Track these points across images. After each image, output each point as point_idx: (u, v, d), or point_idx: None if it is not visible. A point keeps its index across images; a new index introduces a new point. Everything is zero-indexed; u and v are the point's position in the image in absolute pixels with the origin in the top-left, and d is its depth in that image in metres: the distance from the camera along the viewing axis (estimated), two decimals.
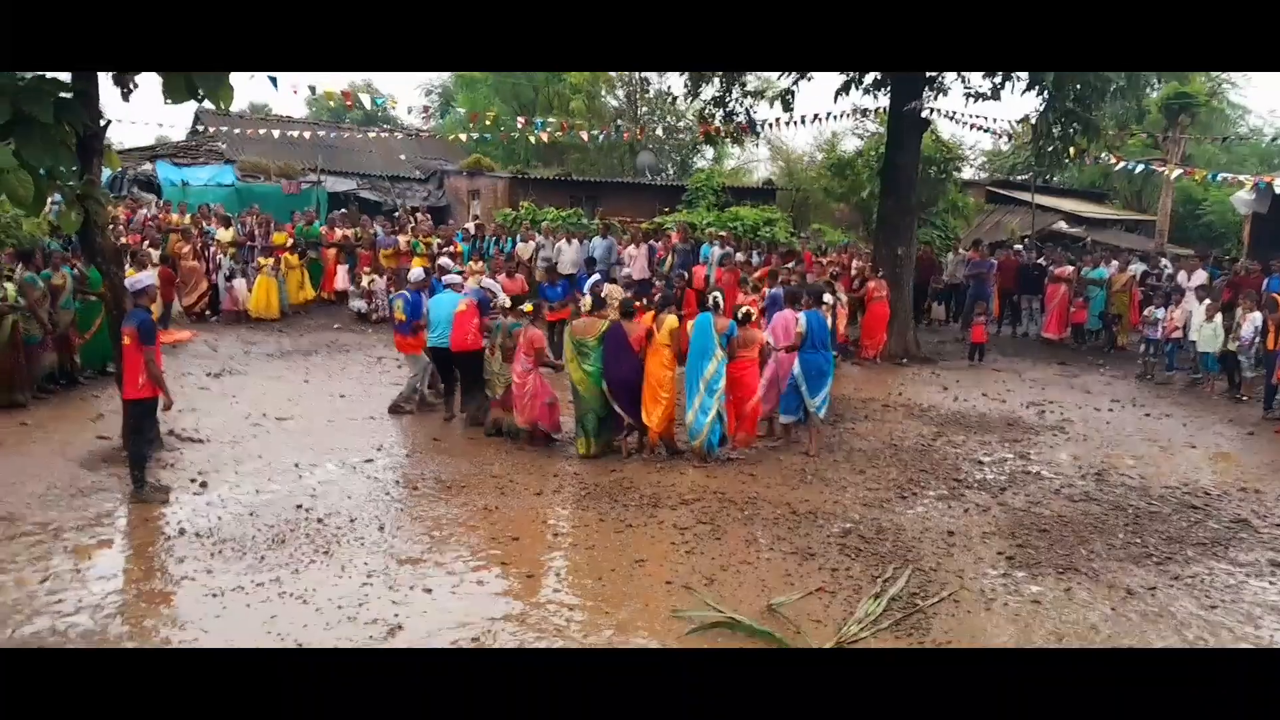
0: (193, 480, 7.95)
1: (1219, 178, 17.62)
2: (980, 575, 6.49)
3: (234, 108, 9.44)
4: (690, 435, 8.98)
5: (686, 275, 15.15)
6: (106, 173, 12.94)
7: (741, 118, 16.80)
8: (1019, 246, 20.51)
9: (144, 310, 7.56)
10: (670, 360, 8.92)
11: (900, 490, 8.30)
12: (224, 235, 17.14)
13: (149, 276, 8.35)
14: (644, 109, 35.72)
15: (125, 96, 7.99)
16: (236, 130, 26.91)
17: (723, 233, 19.27)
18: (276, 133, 26.25)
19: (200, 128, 29.23)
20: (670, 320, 9.03)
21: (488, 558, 6.53)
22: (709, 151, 34.49)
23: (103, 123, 8.09)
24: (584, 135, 22.82)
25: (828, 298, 10.85)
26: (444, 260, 14.01)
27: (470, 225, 20.89)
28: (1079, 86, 13.13)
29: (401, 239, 17.92)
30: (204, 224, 17.47)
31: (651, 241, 18.05)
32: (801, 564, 6.55)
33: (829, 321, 10.19)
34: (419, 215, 22.11)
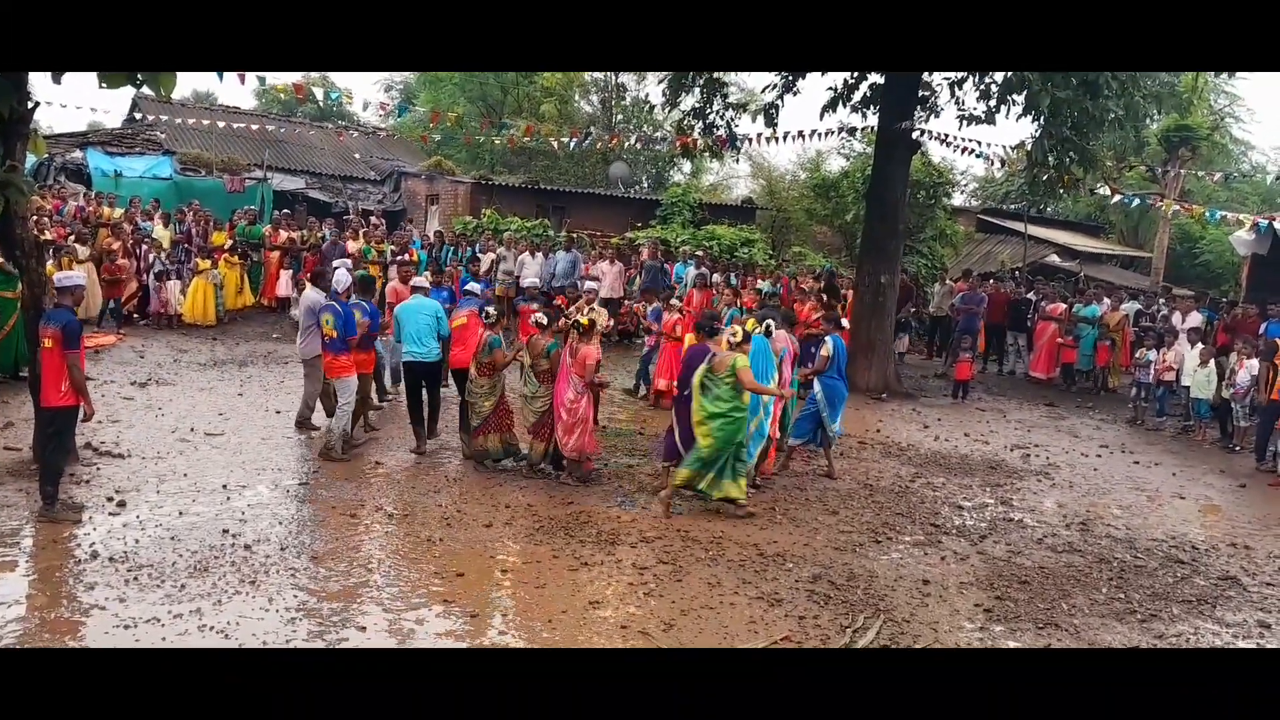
0: (109, 499, 7.80)
1: (1218, 215, 18.01)
2: (956, 628, 6.53)
3: (176, 95, 9.34)
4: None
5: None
6: (31, 159, 12.79)
7: (722, 131, 16.96)
8: (1008, 277, 20.82)
9: (68, 310, 7.42)
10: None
11: (874, 534, 8.35)
12: (160, 232, 16.97)
13: (80, 275, 8.22)
14: (619, 117, 35.96)
15: (56, 79, 7.91)
16: (177, 120, 26.64)
17: (698, 252, 19.39)
18: (221, 124, 26.09)
19: (138, 115, 28.96)
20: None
21: (429, 595, 6.47)
22: (686, 165, 34.80)
23: (30, 105, 7.99)
24: (554, 142, 22.90)
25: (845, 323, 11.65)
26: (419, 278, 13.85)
27: (431, 234, 20.86)
28: (1076, 114, 13.42)
29: (352, 244, 17.83)
30: (137, 219, 17.28)
31: (628, 258, 18.19)
32: (767, 610, 6.55)
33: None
34: (372, 219, 22.04)
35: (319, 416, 10.34)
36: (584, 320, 9.15)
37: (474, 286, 10.96)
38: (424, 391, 9.93)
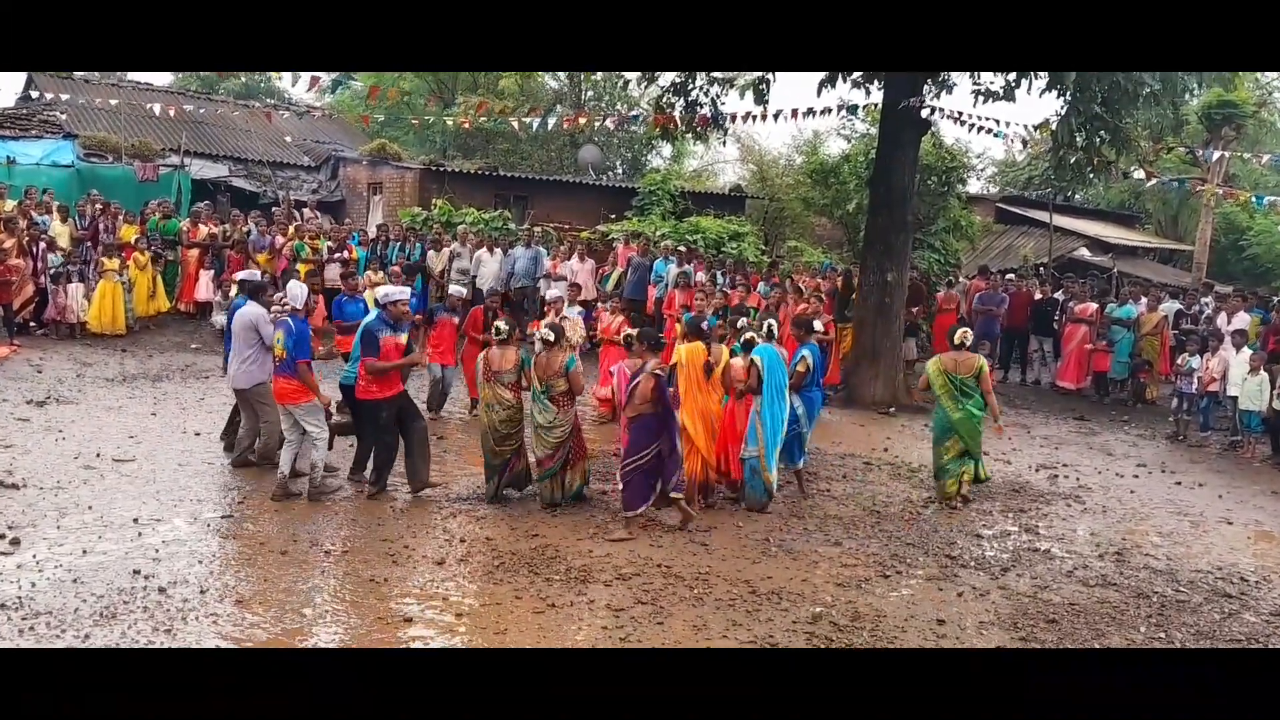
0: (1, 536, 7.72)
1: (1265, 202, 18.23)
2: None
3: (78, 71, 9.29)
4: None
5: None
6: None
7: (706, 110, 17.01)
8: (1032, 274, 21.00)
9: None
10: None
11: (882, 568, 8.38)
12: (59, 228, 16.84)
13: None
14: (589, 94, 36.00)
15: None
16: (80, 99, 26.46)
17: (681, 247, 19.44)
18: (130, 103, 25.89)
19: (34, 94, 28.65)
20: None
21: (371, 644, 6.43)
22: (666, 149, 34.86)
23: None
24: (514, 122, 22.90)
25: (818, 325, 11.49)
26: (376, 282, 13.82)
27: (374, 228, 20.80)
28: (1106, 88, 13.55)
29: (280, 239, 17.75)
30: (33, 213, 17.12)
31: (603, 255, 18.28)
32: None
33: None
34: (305, 211, 21.95)
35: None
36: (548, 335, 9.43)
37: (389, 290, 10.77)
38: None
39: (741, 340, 9.84)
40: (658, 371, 8.97)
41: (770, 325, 10.08)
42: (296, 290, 9.84)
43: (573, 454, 9.42)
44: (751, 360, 9.67)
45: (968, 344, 10.38)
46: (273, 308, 9.56)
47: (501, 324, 9.55)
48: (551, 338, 9.39)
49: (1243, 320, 15.24)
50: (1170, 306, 17.76)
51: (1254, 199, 18.33)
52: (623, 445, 9.06)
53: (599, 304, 17.41)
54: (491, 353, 9.45)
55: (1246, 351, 13.64)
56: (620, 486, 8.99)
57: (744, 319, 10.88)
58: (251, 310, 9.67)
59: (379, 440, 9.51)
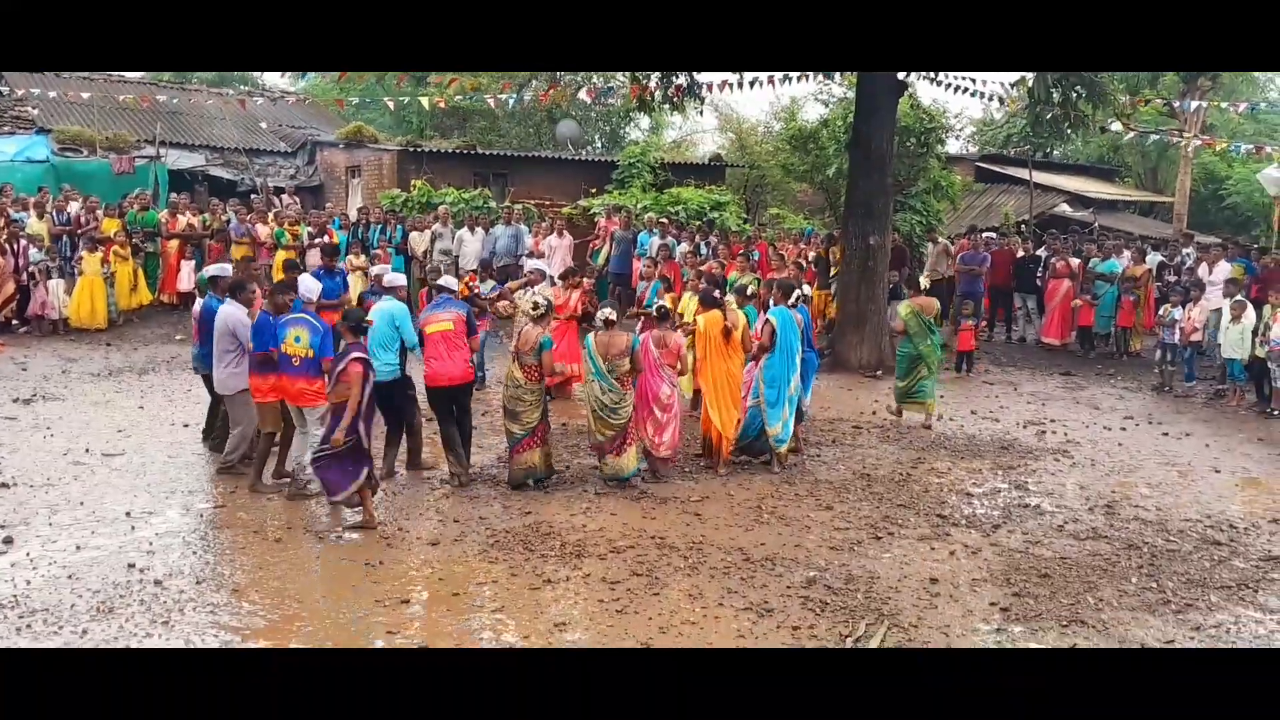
0: None
1: (1242, 149, 18.29)
2: (970, 631, 6.61)
3: (63, 71, 9.19)
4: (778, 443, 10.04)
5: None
6: None
7: (682, 80, 16.94)
8: (1013, 232, 21.02)
9: None
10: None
11: (874, 530, 8.43)
12: (36, 224, 16.72)
13: None
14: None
15: None
16: (52, 93, 26.12)
17: (662, 219, 19.40)
18: (103, 96, 25.66)
19: (4, 89, 28.41)
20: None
21: (369, 626, 6.45)
22: (644, 121, 34.75)
23: None
24: (490, 99, 22.76)
25: (807, 290, 11.96)
26: (378, 267, 13.64)
27: (353, 211, 20.70)
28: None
29: (261, 228, 17.66)
30: (10, 210, 16.99)
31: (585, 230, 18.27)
32: (756, 622, 6.60)
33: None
34: (285, 197, 21.82)
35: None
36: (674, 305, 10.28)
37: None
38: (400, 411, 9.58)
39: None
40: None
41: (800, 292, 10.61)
42: (310, 284, 9.69)
43: (627, 436, 9.38)
44: (767, 320, 10.01)
45: (927, 288, 12.43)
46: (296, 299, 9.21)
47: (539, 299, 9.43)
48: (614, 318, 9.35)
49: (1224, 270, 15.29)
50: (1153, 259, 17.81)
51: (1232, 147, 18.39)
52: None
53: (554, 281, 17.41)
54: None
55: (1230, 300, 13.68)
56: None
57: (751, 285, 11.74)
58: (231, 312, 9.08)
59: (465, 422, 9.58)
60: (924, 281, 12.19)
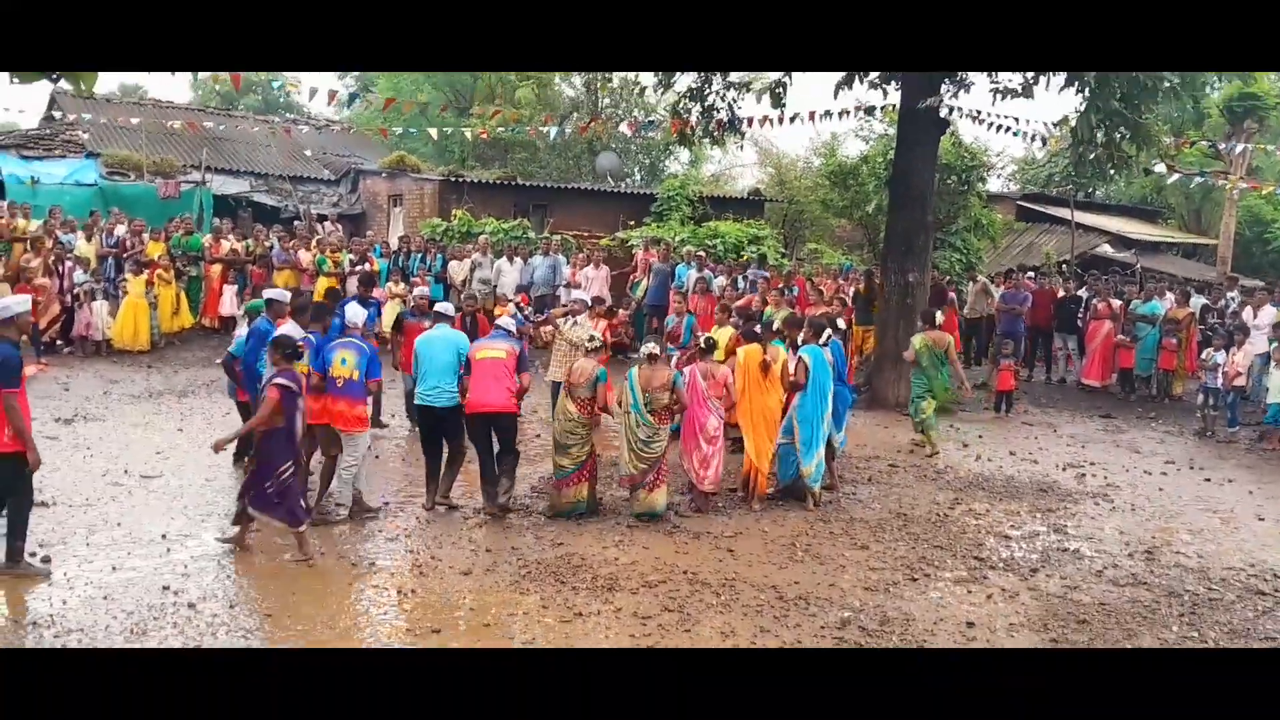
0: (31, 555, 7.76)
1: None
2: None
3: (99, 90, 9.34)
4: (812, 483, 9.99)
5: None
6: None
7: (723, 114, 17.01)
8: (1055, 272, 20.87)
9: (8, 344, 7.16)
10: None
11: (910, 571, 8.34)
12: (84, 247, 16.99)
13: (18, 301, 7.60)
14: (606, 101, 36.07)
15: None
16: (102, 118, 26.67)
17: (700, 252, 19.43)
18: (151, 121, 26.11)
19: (56, 114, 29.01)
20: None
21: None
22: (684, 154, 34.93)
23: None
24: (531, 130, 22.93)
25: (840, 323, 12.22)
26: (420, 289, 13.60)
27: (395, 239, 20.89)
28: (1125, 83, 13.46)
29: (304, 255, 17.85)
30: (58, 232, 17.28)
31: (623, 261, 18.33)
32: None
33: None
34: (327, 224, 22.06)
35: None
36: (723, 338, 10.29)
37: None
38: (443, 441, 9.48)
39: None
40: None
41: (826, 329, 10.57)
42: (356, 311, 9.61)
43: (659, 472, 9.34)
44: (800, 358, 9.99)
45: (939, 323, 13.23)
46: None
47: (593, 330, 9.53)
48: (658, 352, 9.41)
49: (1269, 315, 15.09)
50: (1196, 302, 17.62)
51: (1278, 190, 18.17)
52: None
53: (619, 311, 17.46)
54: (580, 363, 9.36)
55: (1276, 344, 13.50)
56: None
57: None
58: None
59: (505, 456, 9.42)
60: (936, 319, 13.30)
